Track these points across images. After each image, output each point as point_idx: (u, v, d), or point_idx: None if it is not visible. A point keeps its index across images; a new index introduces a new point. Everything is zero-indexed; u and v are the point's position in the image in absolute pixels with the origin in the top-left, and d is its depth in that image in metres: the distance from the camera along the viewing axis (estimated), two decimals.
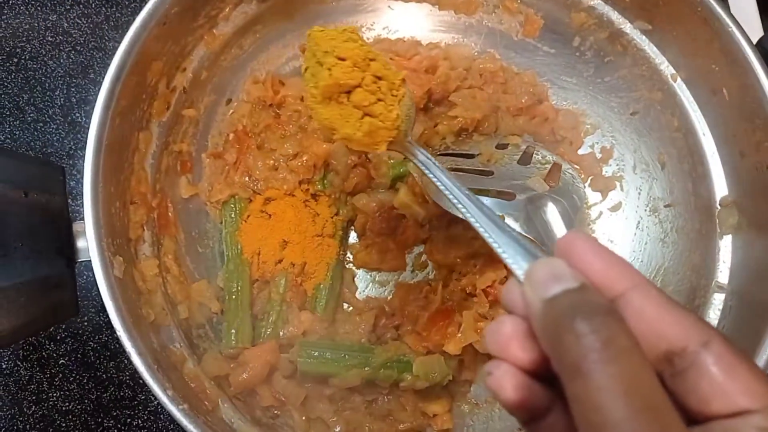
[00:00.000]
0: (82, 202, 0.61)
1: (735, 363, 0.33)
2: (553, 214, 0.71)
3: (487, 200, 0.74)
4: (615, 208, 0.85)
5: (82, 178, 0.61)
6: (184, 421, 0.57)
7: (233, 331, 0.73)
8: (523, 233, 0.71)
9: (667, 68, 0.81)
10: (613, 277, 0.36)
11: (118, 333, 0.57)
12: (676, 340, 0.34)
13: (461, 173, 0.78)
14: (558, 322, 0.33)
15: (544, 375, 0.36)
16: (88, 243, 0.60)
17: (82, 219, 0.61)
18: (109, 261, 0.60)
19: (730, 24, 0.71)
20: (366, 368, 0.71)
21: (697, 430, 0.33)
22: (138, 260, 0.69)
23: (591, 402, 0.30)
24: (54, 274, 0.59)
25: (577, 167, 0.84)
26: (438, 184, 0.53)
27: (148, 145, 0.74)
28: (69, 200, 0.72)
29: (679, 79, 0.80)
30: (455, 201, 0.50)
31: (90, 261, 0.60)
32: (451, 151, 0.82)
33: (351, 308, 0.80)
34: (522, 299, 0.37)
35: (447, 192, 0.52)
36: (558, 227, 0.70)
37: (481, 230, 0.47)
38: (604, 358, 0.31)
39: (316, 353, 0.71)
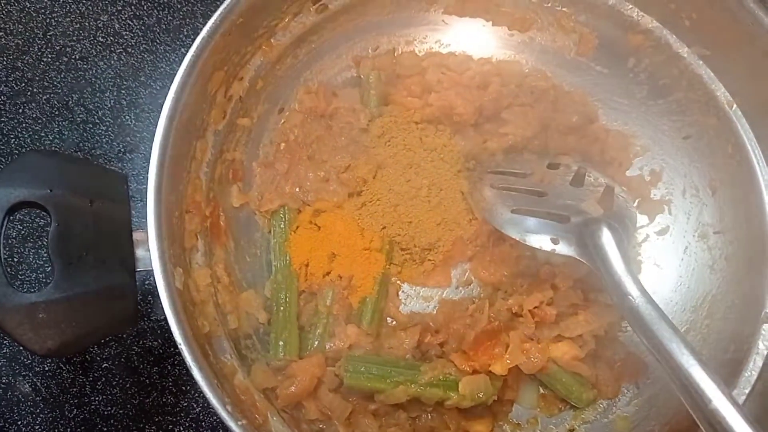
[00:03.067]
0: (138, 210, 0.61)
1: None
2: (608, 239, 0.70)
3: (541, 222, 0.74)
4: (662, 231, 0.84)
5: (132, 180, 0.61)
6: None
7: (281, 343, 0.73)
8: (578, 257, 0.71)
9: (723, 94, 0.81)
10: None
11: (179, 347, 0.57)
12: None
13: (514, 192, 0.78)
14: None
15: None
16: (150, 253, 0.60)
17: (140, 227, 0.61)
18: (171, 273, 0.60)
19: None
20: (412, 385, 0.71)
21: None
22: (192, 270, 0.69)
23: None
24: (117, 284, 0.59)
25: (626, 189, 0.84)
26: None
27: (204, 153, 0.74)
28: None
29: (735, 106, 0.80)
30: None
31: (146, 270, 0.60)
32: (502, 170, 0.82)
33: (394, 322, 0.80)
34: None
35: None
36: (613, 253, 0.69)
37: None
38: None
39: (363, 368, 0.71)
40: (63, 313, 0.56)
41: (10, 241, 0.79)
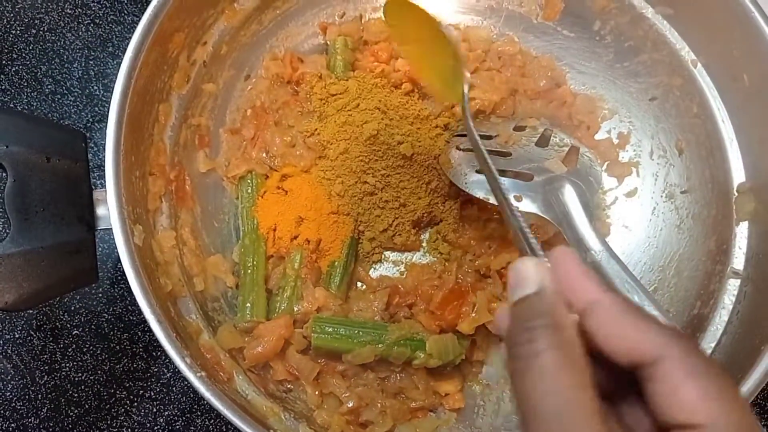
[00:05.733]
0: (102, 174, 0.61)
1: (690, 376, 0.34)
2: (570, 195, 0.71)
3: (505, 180, 0.74)
4: (631, 193, 0.85)
5: (101, 149, 0.61)
6: (201, 389, 0.57)
7: (248, 305, 0.73)
8: (541, 214, 0.71)
9: (687, 54, 0.81)
10: (584, 287, 0.39)
11: (137, 298, 0.57)
12: (636, 353, 0.36)
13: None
14: (511, 326, 0.38)
15: None
16: (108, 210, 0.60)
17: (103, 188, 0.61)
18: (129, 228, 0.60)
19: (753, 9, 0.71)
20: (379, 345, 0.71)
21: None
22: (156, 231, 0.70)
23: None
24: (74, 239, 0.59)
25: (594, 152, 0.84)
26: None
27: (168, 117, 0.74)
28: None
29: (699, 65, 0.80)
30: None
31: (109, 231, 0.60)
32: None
33: (364, 287, 0.80)
34: None
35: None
36: (575, 209, 0.70)
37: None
38: (524, 369, 0.35)
39: (330, 329, 0.72)
40: (20, 267, 0.56)
41: None
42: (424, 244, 0.83)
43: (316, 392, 0.72)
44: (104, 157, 0.61)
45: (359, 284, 0.80)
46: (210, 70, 0.78)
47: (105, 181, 0.60)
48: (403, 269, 0.82)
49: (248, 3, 0.79)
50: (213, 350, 0.68)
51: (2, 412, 0.76)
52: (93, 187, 0.63)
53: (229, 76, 0.81)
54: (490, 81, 0.84)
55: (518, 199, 0.73)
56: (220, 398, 0.57)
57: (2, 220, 0.79)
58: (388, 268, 0.82)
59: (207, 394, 0.56)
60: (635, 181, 0.85)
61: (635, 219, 0.84)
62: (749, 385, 0.61)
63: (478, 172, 0.76)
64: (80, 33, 0.88)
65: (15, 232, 0.56)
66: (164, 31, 0.68)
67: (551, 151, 0.77)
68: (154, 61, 0.67)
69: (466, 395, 0.76)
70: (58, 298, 0.78)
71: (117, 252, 0.58)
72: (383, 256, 0.82)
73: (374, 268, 0.81)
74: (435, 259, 0.82)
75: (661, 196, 0.84)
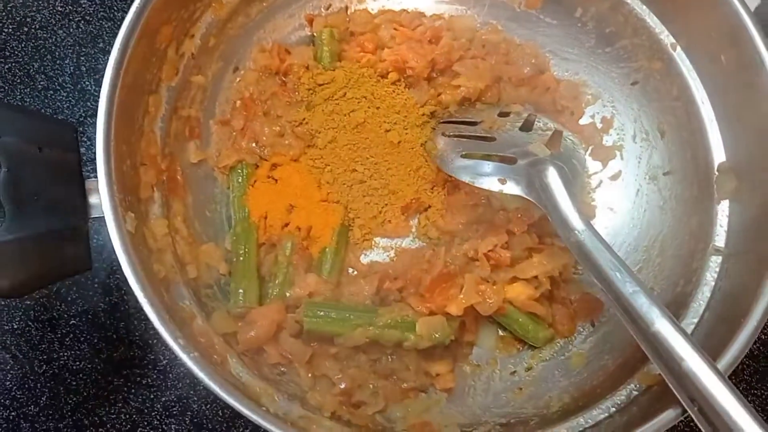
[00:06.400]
0: (94, 166, 0.62)
1: None
2: (553, 177, 0.72)
3: (489, 165, 0.76)
4: (615, 176, 0.86)
5: (94, 143, 0.63)
6: (195, 369, 0.58)
7: (241, 291, 0.75)
8: (525, 196, 0.73)
9: (667, 37, 0.83)
10: None
11: (130, 283, 0.59)
12: None
13: (464, 139, 0.80)
14: None
15: None
16: (101, 198, 0.61)
17: (95, 178, 0.63)
18: (121, 216, 0.62)
19: None
20: (370, 328, 0.73)
21: None
22: (148, 219, 0.71)
23: None
24: (68, 227, 0.60)
25: (579, 137, 0.86)
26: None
27: (158, 108, 0.75)
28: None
29: (678, 48, 0.82)
30: None
31: (102, 220, 0.62)
32: (454, 119, 0.84)
33: (355, 272, 0.82)
34: None
35: None
36: (559, 190, 0.71)
37: None
38: None
39: (322, 313, 0.73)
40: (15, 254, 0.57)
41: None
42: (413, 230, 0.84)
43: (309, 374, 0.73)
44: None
45: (350, 270, 0.82)
46: (198, 63, 0.80)
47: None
48: (393, 254, 0.83)
49: None
50: (207, 334, 0.69)
51: (2, 401, 0.77)
52: (86, 177, 0.64)
53: (217, 69, 0.83)
54: (475, 69, 0.86)
55: (503, 182, 0.74)
56: (212, 378, 0.58)
57: None
58: (378, 253, 0.83)
59: (200, 374, 0.58)
60: (619, 164, 0.87)
61: (620, 201, 0.86)
62: (728, 357, 0.62)
63: (463, 156, 0.78)
64: (71, 30, 0.90)
65: (9, 220, 0.58)
66: (151, 24, 0.69)
67: (534, 135, 0.79)
68: (142, 53, 0.69)
69: (456, 376, 0.78)
70: (54, 289, 0.80)
71: (112, 243, 0.59)
72: (373, 242, 0.83)
73: (365, 254, 0.83)
74: (424, 244, 0.83)
75: (645, 178, 0.85)
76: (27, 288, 0.58)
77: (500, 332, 0.81)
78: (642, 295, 0.61)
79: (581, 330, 0.81)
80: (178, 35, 0.75)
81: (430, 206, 0.83)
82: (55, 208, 0.60)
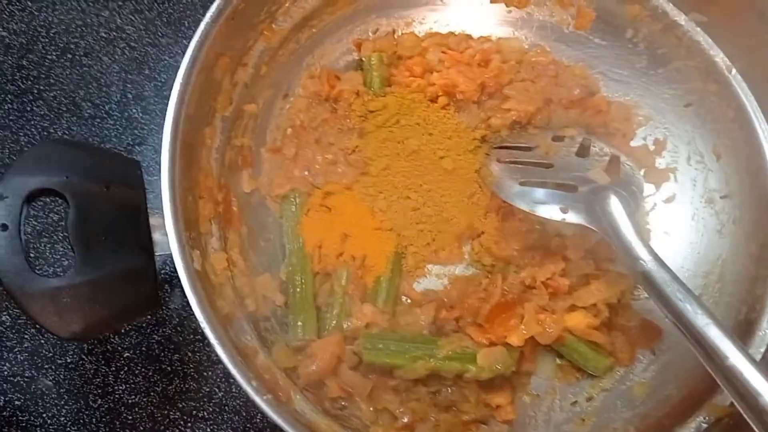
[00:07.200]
0: (150, 200, 0.62)
1: None
2: (616, 206, 0.71)
3: (549, 193, 0.75)
4: (669, 199, 0.85)
5: (145, 172, 0.62)
6: (269, 411, 0.57)
7: (300, 324, 0.74)
8: (588, 225, 0.71)
9: (722, 60, 0.82)
10: None
11: (201, 325, 0.58)
12: None
13: (521, 165, 0.79)
14: None
15: None
16: (168, 236, 0.60)
17: (156, 213, 0.62)
18: (189, 254, 0.61)
19: None
20: (431, 360, 0.72)
21: None
22: (208, 254, 0.70)
23: None
24: (136, 266, 0.60)
25: (631, 159, 0.84)
26: None
27: (213, 139, 0.74)
28: None
29: (734, 71, 0.81)
30: None
31: (163, 255, 0.61)
32: (507, 144, 0.83)
33: (409, 300, 0.81)
34: None
35: None
36: (622, 219, 0.70)
37: None
38: None
39: (381, 345, 0.72)
40: (86, 297, 0.56)
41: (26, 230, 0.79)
42: (466, 256, 0.83)
43: (371, 408, 0.72)
44: (148, 181, 0.62)
45: (404, 298, 0.81)
46: (251, 91, 0.79)
47: (157, 210, 0.61)
48: (446, 282, 0.82)
49: (286, 23, 0.80)
50: (270, 371, 0.68)
51: None
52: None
53: (268, 96, 0.82)
54: (525, 92, 0.85)
55: (564, 210, 0.73)
56: (287, 420, 0.57)
57: (54, 253, 0.80)
58: (431, 281, 0.82)
59: (277, 418, 0.57)
60: (673, 187, 0.85)
61: (675, 225, 0.84)
62: None
63: (521, 184, 0.77)
64: (116, 57, 0.89)
65: (80, 262, 0.57)
66: (211, 56, 0.68)
67: (593, 161, 0.78)
68: (201, 86, 0.68)
69: (516, 407, 0.77)
70: None
71: (163, 275, 0.58)
72: (426, 270, 0.82)
73: (418, 282, 0.82)
74: (478, 270, 0.82)
75: (701, 201, 0.84)
76: (96, 330, 0.58)
77: (558, 360, 0.80)
78: (714, 327, 0.60)
79: (641, 358, 0.80)
80: (232, 65, 0.74)
81: (483, 232, 0.82)
82: (123, 247, 0.60)
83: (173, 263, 0.57)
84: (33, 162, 0.58)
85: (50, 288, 0.55)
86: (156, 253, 0.63)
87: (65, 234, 0.80)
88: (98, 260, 0.58)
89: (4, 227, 0.55)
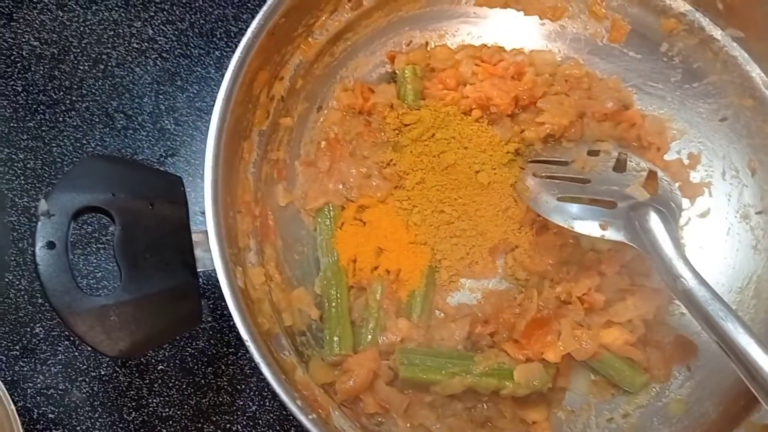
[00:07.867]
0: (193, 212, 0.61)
1: None
2: (656, 223, 0.70)
3: (588, 209, 0.74)
4: (704, 214, 0.85)
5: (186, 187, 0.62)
6: (315, 430, 0.57)
7: (336, 338, 0.73)
8: (628, 242, 0.71)
9: (758, 75, 0.82)
10: None
11: (246, 345, 0.57)
12: None
13: (558, 181, 0.78)
14: None
15: None
16: (210, 253, 0.60)
17: (199, 230, 0.62)
18: (232, 271, 0.60)
19: None
20: (468, 376, 0.71)
21: None
22: (246, 269, 0.70)
23: None
24: (180, 284, 0.59)
25: (666, 173, 0.84)
26: None
27: (251, 154, 0.74)
28: None
29: None
30: None
31: (205, 271, 0.61)
32: (542, 158, 0.82)
33: (443, 315, 0.80)
34: None
35: None
36: (662, 237, 0.69)
37: None
38: None
39: (417, 360, 0.72)
40: (132, 315, 0.56)
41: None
42: (499, 270, 0.83)
43: (408, 424, 0.72)
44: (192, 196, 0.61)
45: (438, 312, 0.80)
46: (287, 105, 0.79)
47: (197, 222, 0.61)
48: (479, 296, 0.82)
49: (322, 36, 0.80)
50: (309, 387, 0.68)
51: None
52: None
53: (303, 109, 0.82)
54: (559, 105, 0.84)
55: (603, 227, 0.73)
56: None
57: (97, 270, 0.79)
58: (464, 295, 0.82)
59: None
60: (708, 202, 0.85)
61: (710, 240, 0.84)
62: None
63: (558, 199, 0.76)
64: (148, 68, 0.89)
65: (126, 280, 0.57)
66: (252, 70, 0.68)
67: (630, 176, 0.77)
68: (240, 101, 0.68)
69: (552, 423, 0.76)
70: None
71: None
72: (459, 284, 0.82)
73: (451, 296, 0.81)
74: (512, 285, 0.82)
75: (735, 217, 0.84)
76: (143, 348, 0.58)
77: (592, 376, 0.80)
78: (756, 345, 0.60)
79: (677, 375, 0.79)
80: (270, 79, 0.74)
81: (517, 246, 0.82)
82: (167, 265, 0.59)
83: (206, 276, 0.57)
84: (79, 179, 0.58)
85: (97, 306, 0.55)
86: (199, 270, 0.62)
87: (98, 246, 0.81)
88: (144, 278, 0.57)
89: (52, 245, 0.55)
